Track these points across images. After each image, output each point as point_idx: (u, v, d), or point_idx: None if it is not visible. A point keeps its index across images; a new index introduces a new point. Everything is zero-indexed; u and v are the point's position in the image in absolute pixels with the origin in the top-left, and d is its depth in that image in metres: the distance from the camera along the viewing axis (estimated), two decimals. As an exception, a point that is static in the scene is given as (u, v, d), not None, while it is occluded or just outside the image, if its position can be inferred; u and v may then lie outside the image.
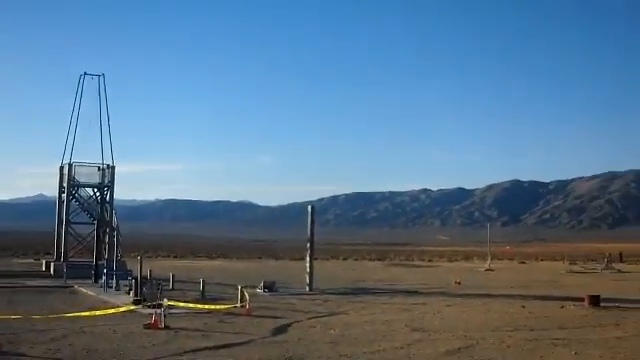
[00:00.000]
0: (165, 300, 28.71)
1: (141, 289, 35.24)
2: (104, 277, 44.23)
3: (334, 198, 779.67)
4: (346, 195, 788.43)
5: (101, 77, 60.62)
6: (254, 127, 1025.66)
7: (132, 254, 79.03)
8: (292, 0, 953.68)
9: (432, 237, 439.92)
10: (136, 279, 37.52)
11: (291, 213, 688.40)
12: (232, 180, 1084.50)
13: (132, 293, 36.44)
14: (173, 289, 43.44)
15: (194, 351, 21.32)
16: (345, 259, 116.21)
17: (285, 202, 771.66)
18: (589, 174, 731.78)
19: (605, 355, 21.51)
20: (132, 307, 30.98)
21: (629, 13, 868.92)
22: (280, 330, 26.71)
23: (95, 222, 56.23)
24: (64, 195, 58.21)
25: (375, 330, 27.05)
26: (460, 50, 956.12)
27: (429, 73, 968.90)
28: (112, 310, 29.56)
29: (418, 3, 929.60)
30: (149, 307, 29.55)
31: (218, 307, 32.71)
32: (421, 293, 46.66)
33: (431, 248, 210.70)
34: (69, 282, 47.41)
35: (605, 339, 25.07)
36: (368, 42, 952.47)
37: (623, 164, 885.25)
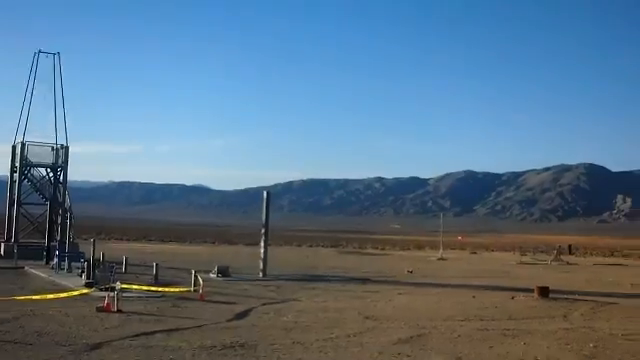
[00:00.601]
0: (118, 283, 28.58)
1: (94, 272, 35.03)
2: (56, 259, 43.89)
3: (289, 184, 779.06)
4: (301, 181, 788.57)
5: (56, 55, 59.76)
6: (210, 111, 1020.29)
7: (85, 236, 78.37)
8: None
9: (385, 225, 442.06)
10: (89, 262, 37.28)
11: (246, 198, 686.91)
12: (187, 164, 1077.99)
13: (84, 276, 36.19)
14: (126, 272, 43.20)
15: (147, 334, 21.27)
16: (299, 246, 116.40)
17: (240, 187, 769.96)
18: (541, 167, 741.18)
19: (553, 345, 21.89)
20: (84, 290, 30.77)
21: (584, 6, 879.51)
22: (233, 316, 26.75)
23: (48, 203, 55.59)
24: (16, 175, 57.36)
25: (328, 317, 27.21)
26: (413, 38, 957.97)
27: (385, 62, 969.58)
28: (64, 293, 29.33)
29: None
30: (102, 290, 29.40)
31: (172, 290, 32.66)
32: (374, 281, 46.97)
33: (384, 236, 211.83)
34: (20, 263, 46.91)
35: (553, 330, 25.50)
36: (322, 25, 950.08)
37: (574, 157, 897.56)
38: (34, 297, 28.27)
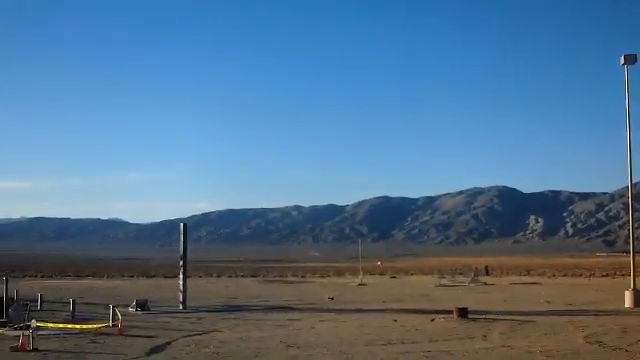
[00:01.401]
0: (33, 321, 27.83)
1: (7, 311, 34.06)
2: (-34, 299, 42.49)
3: (206, 215, 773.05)
4: (218, 212, 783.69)
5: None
6: (124, 143, 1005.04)
7: (-4, 274, 76.11)
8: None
9: (304, 253, 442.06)
10: (1, 300, 36.23)
11: (163, 230, 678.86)
12: (102, 197, 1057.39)
13: (-3, 315, 35.15)
14: (42, 310, 42.20)
15: (65, 373, 20.77)
16: (219, 276, 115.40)
17: (157, 219, 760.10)
18: (455, 190, 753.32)
19: (474, 365, 22.19)
20: (-3, 330, 29.89)
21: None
22: (154, 349, 26.33)
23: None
24: None
25: (250, 347, 27.03)
26: (315, 71, 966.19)
27: (297, 94, 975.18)
28: (-24, 333, 28.43)
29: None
30: (16, 329, 28.61)
31: (89, 326, 31.99)
32: (295, 309, 46.88)
33: (304, 264, 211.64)
34: None
35: (473, 350, 25.86)
36: (240, 50, 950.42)
37: (487, 180, 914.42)
38: (-56, 339, 27.32)
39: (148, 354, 25.06)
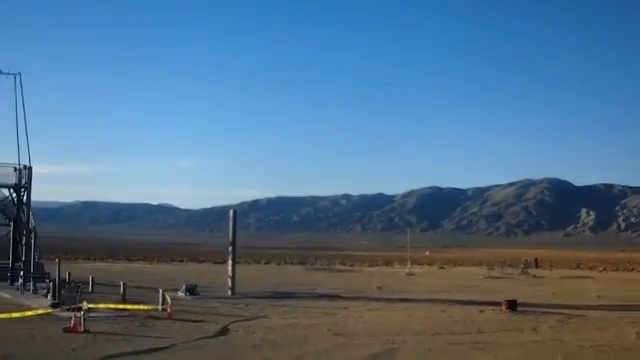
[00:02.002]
0: (84, 303, 28.21)
1: (59, 292, 34.59)
2: (21, 280, 43.29)
3: (255, 202, 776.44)
4: (268, 199, 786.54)
5: (17, 76, 58.99)
6: (175, 129, 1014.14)
7: (50, 256, 77.31)
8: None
9: (353, 242, 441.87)
10: (54, 282, 36.80)
11: (213, 217, 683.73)
12: (153, 182, 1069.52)
13: (50, 296, 35.72)
14: (93, 292, 42.77)
15: (114, 356, 21.02)
16: (267, 263, 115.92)
17: (207, 205, 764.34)
18: (506, 182, 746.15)
19: (522, 358, 21.98)
20: (50, 310, 30.39)
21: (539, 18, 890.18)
22: (202, 334, 26.52)
23: (11, 223, 54.87)
24: (-22, 196, 56.53)
25: (297, 334, 27.08)
26: (372, 57, 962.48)
27: (352, 82, 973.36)
28: (29, 313, 28.93)
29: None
30: (68, 310, 29.03)
31: (139, 307, 32.35)
32: (343, 297, 46.88)
33: (352, 253, 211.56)
34: (-16, 284, 46.23)
35: (522, 343, 25.61)
36: (290, 43, 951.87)
37: (538, 172, 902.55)
38: (-1, 316, 27.83)
39: (196, 339, 25.25)
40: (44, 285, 40.63)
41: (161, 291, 35.18)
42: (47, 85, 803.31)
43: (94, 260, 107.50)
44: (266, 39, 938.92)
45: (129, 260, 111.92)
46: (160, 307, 33.31)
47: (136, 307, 32.25)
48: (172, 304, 32.63)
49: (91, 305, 28.82)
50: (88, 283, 44.74)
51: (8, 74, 58.72)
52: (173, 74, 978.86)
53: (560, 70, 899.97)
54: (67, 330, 25.57)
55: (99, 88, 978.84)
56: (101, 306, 31.01)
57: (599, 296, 51.08)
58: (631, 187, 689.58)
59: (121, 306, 32.68)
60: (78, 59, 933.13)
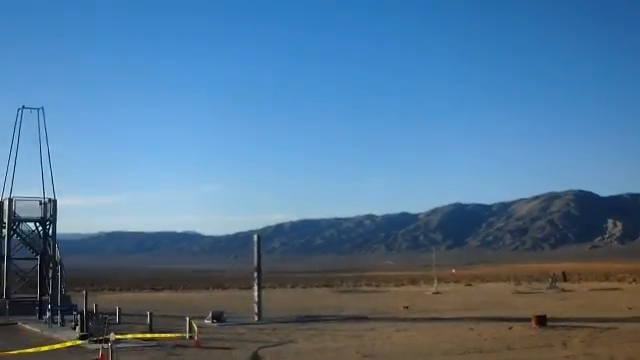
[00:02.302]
0: (112, 334, 28.21)
1: (87, 324, 34.66)
2: (48, 313, 43.40)
3: (279, 226, 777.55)
4: (291, 223, 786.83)
5: (40, 110, 59.54)
6: (198, 156, 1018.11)
7: (77, 288, 77.71)
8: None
9: (378, 262, 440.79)
10: (82, 314, 36.89)
11: (237, 242, 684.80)
12: (177, 210, 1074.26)
13: (78, 328, 35.80)
14: (120, 323, 42.80)
15: (143, 386, 20.99)
16: (293, 287, 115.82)
17: (231, 232, 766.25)
18: (530, 195, 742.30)
19: (554, 375, 21.73)
20: (78, 342, 30.43)
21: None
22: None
23: (38, 257, 55.15)
24: (4, 230, 56.87)
25: (326, 358, 26.96)
26: (391, 78, 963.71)
27: (366, 100, 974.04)
28: (58, 346, 28.96)
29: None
30: (96, 342, 29.03)
31: (166, 336, 32.33)
32: (370, 319, 46.66)
33: (378, 273, 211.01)
34: (12, 319, 46.38)
35: (553, 359, 25.33)
36: (316, 65, 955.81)
37: (563, 184, 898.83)
38: (28, 350, 27.88)
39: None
40: (72, 317, 40.73)
41: (188, 319, 35.15)
42: (69, 118, 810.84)
43: (120, 290, 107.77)
44: (285, 66, 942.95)
45: (155, 289, 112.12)
46: (187, 335, 33.29)
47: (163, 336, 32.23)
48: (199, 332, 32.60)
49: (118, 336, 28.80)
50: (115, 314, 44.81)
51: (32, 109, 59.33)
52: (195, 101, 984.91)
53: (582, 80, 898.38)
54: (95, 362, 25.57)
55: (120, 119, 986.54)
56: (129, 336, 31.01)
57: (630, 308, 50.53)
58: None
59: (148, 336, 32.67)
60: (97, 91, 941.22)
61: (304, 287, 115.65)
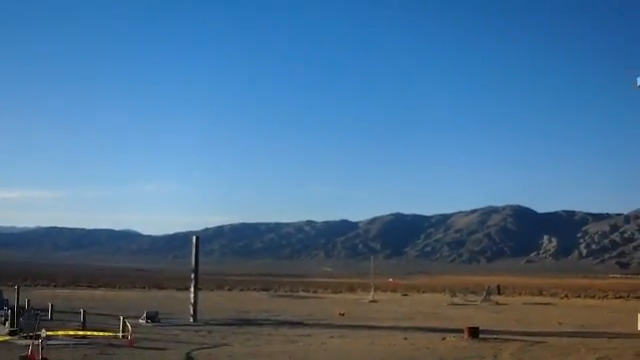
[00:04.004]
0: (43, 331, 27.82)
1: (18, 319, 34.10)
2: (-22, 307, 42.60)
3: (219, 228, 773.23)
4: (231, 225, 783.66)
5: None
6: (138, 154, 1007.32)
7: (10, 283, 76.43)
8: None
9: (317, 268, 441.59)
10: (13, 309, 36.29)
11: (176, 243, 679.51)
12: (116, 208, 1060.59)
13: (8, 324, 35.19)
14: (52, 319, 42.20)
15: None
16: (230, 290, 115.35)
17: (170, 232, 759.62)
18: (469, 208, 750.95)
19: (484, 386, 22.04)
20: (8, 338, 29.92)
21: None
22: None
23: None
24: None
25: (259, 362, 26.94)
26: (335, 90, 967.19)
27: (307, 99, 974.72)
28: (-14, 341, 28.46)
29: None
30: (26, 338, 28.61)
31: (99, 334, 31.99)
32: (306, 324, 46.75)
33: (316, 279, 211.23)
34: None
35: (484, 370, 25.69)
36: (250, 71, 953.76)
37: (501, 199, 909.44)
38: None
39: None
40: (2, 312, 40.02)
41: (122, 318, 34.83)
42: (11, 110, 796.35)
43: (55, 287, 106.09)
44: (230, 70, 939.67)
45: (91, 287, 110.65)
46: (120, 334, 32.97)
47: (96, 334, 31.87)
48: (133, 331, 32.33)
49: (50, 333, 28.44)
50: (48, 310, 44.14)
51: None
52: (136, 100, 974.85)
53: (520, 97, 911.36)
54: (25, 358, 25.17)
55: (62, 110, 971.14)
56: (60, 333, 30.60)
57: (560, 323, 51.44)
58: (592, 214, 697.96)
59: (81, 333, 32.27)
60: (44, 80, 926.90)
61: (242, 290, 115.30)
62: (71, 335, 31.29)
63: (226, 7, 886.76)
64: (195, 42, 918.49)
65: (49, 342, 27.59)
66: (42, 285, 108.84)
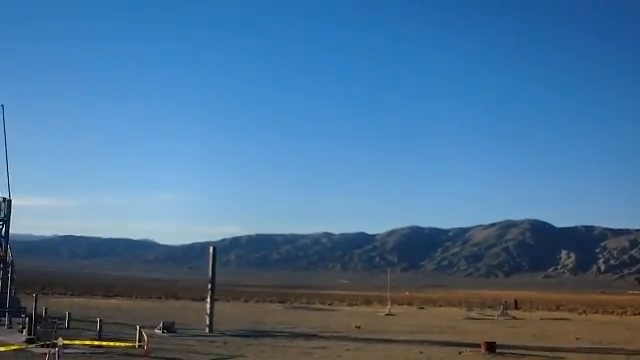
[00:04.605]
0: (60, 339, 27.89)
1: (35, 327, 34.23)
2: (-4, 315, 42.81)
3: (236, 239, 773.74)
4: (248, 237, 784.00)
5: (0, 107, 58.66)
6: (157, 164, 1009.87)
7: (27, 291, 76.71)
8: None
9: (333, 281, 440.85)
10: (30, 317, 36.43)
11: (193, 253, 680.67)
12: (134, 217, 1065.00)
13: (25, 331, 35.33)
14: (69, 328, 42.33)
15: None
16: (246, 301, 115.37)
17: (187, 242, 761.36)
18: (487, 222, 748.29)
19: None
20: (25, 346, 30.01)
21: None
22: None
23: (-12, 257, 54.27)
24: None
25: (275, 373, 26.90)
26: (352, 100, 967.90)
27: (329, 123, 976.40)
28: (3, 348, 28.55)
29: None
30: (43, 346, 28.69)
31: (115, 344, 32.03)
32: (321, 337, 46.65)
33: (332, 292, 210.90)
34: (-41, 319, 45.61)
35: (500, 385, 25.54)
36: (266, 81, 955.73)
37: (519, 213, 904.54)
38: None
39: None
40: (20, 320, 40.20)
41: (138, 328, 34.88)
42: (29, 118, 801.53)
43: (71, 295, 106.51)
44: (244, 80, 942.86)
45: (107, 296, 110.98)
46: (137, 344, 33.01)
47: (112, 344, 31.93)
48: (149, 341, 32.35)
49: (66, 341, 28.49)
50: (64, 319, 44.29)
51: None
52: (154, 110, 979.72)
53: (539, 112, 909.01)
54: (41, 367, 25.25)
55: (80, 122, 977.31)
56: (77, 342, 30.66)
57: (578, 338, 51.09)
58: (611, 229, 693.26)
59: (97, 343, 32.33)
60: (59, 95, 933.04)
61: (257, 301, 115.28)
62: (87, 345, 31.34)
63: (235, 10, 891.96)
64: (208, 47, 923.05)
65: (65, 351, 27.66)
66: (59, 293, 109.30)
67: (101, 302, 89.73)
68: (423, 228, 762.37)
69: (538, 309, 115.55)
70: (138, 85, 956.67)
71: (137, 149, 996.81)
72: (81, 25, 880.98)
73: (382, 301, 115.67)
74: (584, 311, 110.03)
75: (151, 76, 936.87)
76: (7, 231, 57.34)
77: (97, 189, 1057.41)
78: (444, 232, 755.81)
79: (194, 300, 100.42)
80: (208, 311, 47.70)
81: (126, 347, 31.93)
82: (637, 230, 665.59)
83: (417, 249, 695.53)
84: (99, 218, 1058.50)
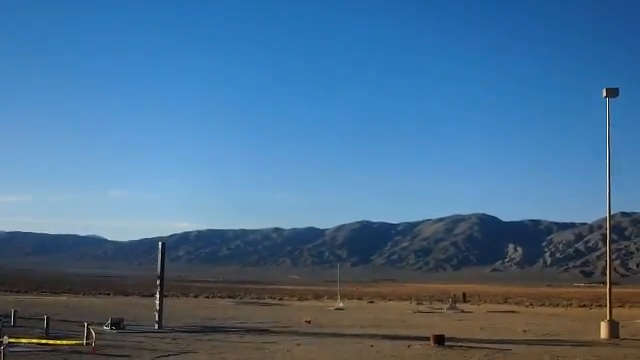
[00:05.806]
0: (5, 337, 27.49)
1: (-21, 325, 33.65)
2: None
3: (186, 235, 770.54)
4: (198, 232, 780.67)
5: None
6: (106, 159, 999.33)
7: (-29, 289, 75.45)
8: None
9: (283, 276, 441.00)
10: (-26, 315, 35.83)
11: (142, 249, 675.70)
12: (82, 214, 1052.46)
13: (-31, 330, 34.74)
14: (15, 326, 41.68)
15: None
16: (196, 297, 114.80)
17: (136, 237, 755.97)
18: (436, 217, 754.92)
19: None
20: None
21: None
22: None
23: None
24: None
25: (225, 369, 26.80)
26: (299, 98, 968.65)
27: (276, 107, 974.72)
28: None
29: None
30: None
31: (62, 342, 31.64)
32: (272, 332, 46.61)
33: (282, 287, 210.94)
34: None
35: (449, 378, 25.77)
36: (218, 76, 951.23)
37: (467, 208, 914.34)
38: None
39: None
40: (-37, 318, 39.51)
41: (86, 325, 34.50)
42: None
43: (17, 292, 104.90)
44: (193, 76, 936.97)
45: (55, 293, 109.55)
46: (84, 342, 32.65)
47: (59, 342, 31.52)
48: (97, 338, 32.02)
49: (12, 339, 28.08)
50: (10, 316, 43.59)
51: None
52: (107, 105, 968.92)
53: (487, 107, 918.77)
54: (-14, 365, 24.86)
55: (26, 115, 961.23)
56: (23, 340, 30.22)
57: (525, 331, 51.77)
58: (557, 223, 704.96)
59: (44, 341, 31.89)
60: (2, 91, 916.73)
61: (208, 297, 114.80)
62: (34, 343, 30.91)
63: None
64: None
65: (11, 349, 27.24)
66: (5, 291, 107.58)
67: (49, 299, 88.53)
68: (373, 223, 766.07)
69: (486, 302, 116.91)
70: (81, 77, 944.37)
71: (87, 144, 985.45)
72: None
73: (332, 295, 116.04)
74: (531, 304, 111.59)
75: (99, 68, 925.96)
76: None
77: (44, 185, 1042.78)
78: (393, 227, 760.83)
79: (143, 296, 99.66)
80: (157, 307, 47.36)
81: (74, 344, 31.57)
82: (582, 224, 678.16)
83: (367, 243, 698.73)
84: (47, 214, 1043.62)
